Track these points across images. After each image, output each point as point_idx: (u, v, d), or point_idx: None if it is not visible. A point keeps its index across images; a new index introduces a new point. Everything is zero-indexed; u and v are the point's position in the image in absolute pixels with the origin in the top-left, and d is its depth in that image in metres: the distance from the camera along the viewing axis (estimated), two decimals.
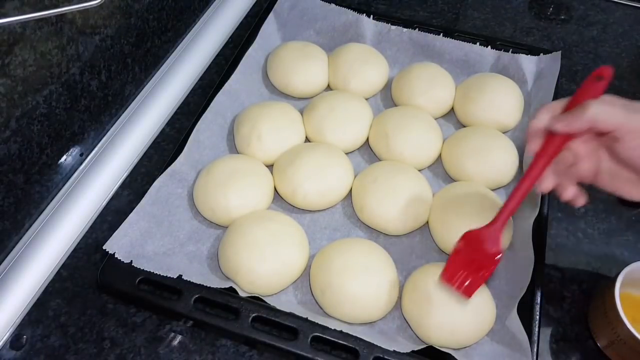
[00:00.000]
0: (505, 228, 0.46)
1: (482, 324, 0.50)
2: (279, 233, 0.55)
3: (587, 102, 0.40)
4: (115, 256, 0.52)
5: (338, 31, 0.78)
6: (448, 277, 0.49)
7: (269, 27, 0.78)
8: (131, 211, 0.55)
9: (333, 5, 0.78)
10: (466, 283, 0.47)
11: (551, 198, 0.60)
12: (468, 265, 0.47)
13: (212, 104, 0.66)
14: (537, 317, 0.51)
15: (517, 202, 0.46)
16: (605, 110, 0.40)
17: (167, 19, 0.75)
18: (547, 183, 0.45)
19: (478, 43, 0.74)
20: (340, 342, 0.48)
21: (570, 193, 0.44)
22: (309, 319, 0.50)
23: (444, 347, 0.49)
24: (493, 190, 0.62)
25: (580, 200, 0.45)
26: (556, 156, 0.44)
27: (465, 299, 0.48)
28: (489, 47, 0.74)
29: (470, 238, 0.48)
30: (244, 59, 0.72)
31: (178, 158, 0.60)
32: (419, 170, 0.63)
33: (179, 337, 0.52)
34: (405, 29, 0.77)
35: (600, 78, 0.42)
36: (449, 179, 0.65)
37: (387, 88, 0.75)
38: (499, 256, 0.46)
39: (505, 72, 0.73)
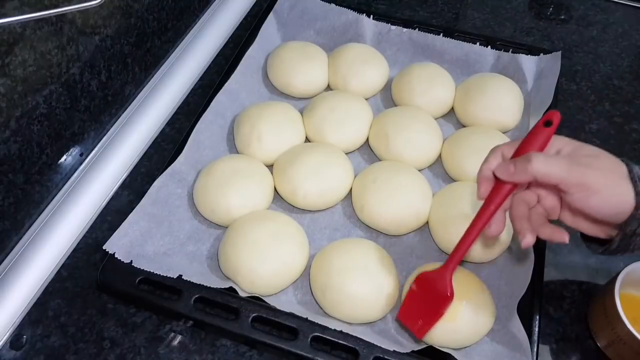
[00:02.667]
0: (454, 272, 0.47)
1: (482, 324, 0.50)
2: (279, 233, 0.55)
3: (530, 155, 0.40)
4: (115, 256, 0.52)
5: (338, 31, 0.78)
6: (404, 316, 0.50)
7: (269, 27, 0.78)
8: (131, 211, 0.55)
9: (333, 5, 0.78)
10: (419, 322, 0.48)
11: None
12: (422, 305, 0.48)
13: (212, 104, 0.66)
14: (537, 317, 0.51)
15: (465, 249, 0.46)
16: (547, 164, 0.39)
17: (167, 19, 0.75)
18: (496, 227, 0.44)
19: (478, 43, 0.74)
20: (340, 342, 0.48)
21: (530, 239, 0.42)
22: (309, 319, 0.50)
23: (444, 347, 0.49)
24: None
25: (559, 237, 0.43)
26: (505, 201, 0.43)
27: (418, 338, 0.49)
28: (489, 47, 0.74)
29: (423, 280, 0.49)
30: (244, 59, 0.72)
31: (178, 158, 0.60)
32: (419, 170, 0.63)
33: (179, 337, 0.52)
34: (405, 29, 0.77)
35: (550, 123, 0.42)
36: (449, 179, 0.65)
37: (387, 88, 0.75)
38: (449, 299, 0.47)
39: (505, 72, 0.73)
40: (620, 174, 0.39)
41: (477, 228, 0.45)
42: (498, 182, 0.43)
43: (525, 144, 0.42)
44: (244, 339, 0.51)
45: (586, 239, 0.46)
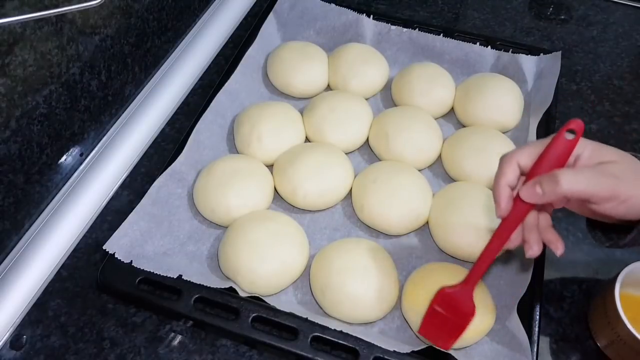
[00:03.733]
0: (475, 288, 0.47)
1: (482, 324, 0.50)
2: (279, 233, 0.55)
3: (557, 174, 0.38)
4: (115, 256, 0.52)
5: (338, 31, 0.78)
6: (425, 331, 0.49)
7: (269, 27, 0.78)
8: (131, 211, 0.55)
9: (333, 5, 0.78)
10: (443, 337, 0.48)
11: None
12: (444, 321, 0.48)
13: (212, 104, 0.66)
14: (537, 317, 0.51)
15: (487, 264, 0.45)
16: (576, 182, 0.38)
17: (167, 19, 0.75)
18: (515, 240, 0.43)
19: (478, 43, 0.74)
20: (340, 342, 0.48)
21: (536, 250, 0.42)
22: (309, 319, 0.50)
23: None
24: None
25: (555, 247, 0.42)
26: (525, 217, 0.42)
27: (444, 350, 0.48)
28: (489, 47, 0.74)
29: (444, 297, 0.48)
30: (244, 59, 0.72)
31: (178, 158, 0.60)
32: (419, 170, 0.63)
33: (179, 337, 0.52)
34: (405, 29, 0.77)
35: (572, 132, 0.40)
36: (449, 179, 0.65)
37: (387, 88, 0.75)
38: (471, 316, 0.46)
39: (505, 72, 0.73)
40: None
41: (497, 246, 0.44)
42: (517, 199, 0.42)
43: (547, 155, 0.40)
44: (244, 339, 0.51)
45: (592, 226, 0.46)
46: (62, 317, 0.53)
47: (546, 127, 0.66)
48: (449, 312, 0.47)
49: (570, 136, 0.40)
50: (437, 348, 0.48)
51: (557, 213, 0.62)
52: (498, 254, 0.44)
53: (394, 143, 0.64)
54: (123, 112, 0.71)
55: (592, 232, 0.46)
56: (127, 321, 0.53)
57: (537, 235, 0.43)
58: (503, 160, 0.43)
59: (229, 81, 0.68)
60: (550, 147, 0.40)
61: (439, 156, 0.66)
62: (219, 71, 0.75)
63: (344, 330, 0.49)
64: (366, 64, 0.72)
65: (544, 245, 0.42)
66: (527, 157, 0.42)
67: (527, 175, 0.42)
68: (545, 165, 0.40)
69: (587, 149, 0.41)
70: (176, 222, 0.58)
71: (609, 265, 0.59)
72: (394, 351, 0.48)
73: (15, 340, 0.52)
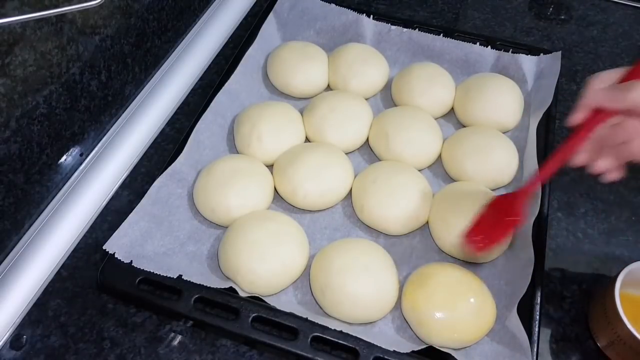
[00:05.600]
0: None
1: (482, 324, 0.50)
2: (279, 233, 0.55)
3: (632, 83, 0.39)
4: (115, 256, 0.52)
5: (338, 31, 0.78)
6: (468, 234, 0.50)
7: (269, 27, 0.78)
8: (131, 211, 0.55)
9: (333, 5, 0.78)
10: (480, 238, 0.49)
11: (551, 198, 0.61)
12: (490, 224, 0.48)
13: (212, 104, 0.66)
14: (537, 317, 0.51)
15: (550, 172, 0.45)
16: None
17: (167, 19, 0.75)
18: (581, 157, 0.44)
19: (478, 43, 0.74)
20: (340, 342, 0.48)
21: (602, 165, 0.42)
22: (309, 319, 0.50)
23: (444, 347, 0.49)
24: (493, 190, 0.62)
25: (614, 175, 0.43)
26: (595, 129, 0.42)
27: (478, 254, 0.49)
28: (489, 47, 0.74)
29: (497, 202, 0.49)
30: (244, 59, 0.72)
31: (178, 158, 0.60)
32: (419, 170, 0.63)
33: (179, 337, 0.52)
34: (405, 29, 0.77)
35: None
36: (449, 179, 0.65)
37: (387, 88, 0.75)
38: (518, 221, 0.47)
39: (505, 72, 0.73)
40: None
41: (566, 153, 0.44)
42: (594, 110, 0.42)
43: (633, 72, 0.41)
44: (244, 339, 0.51)
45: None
46: (62, 317, 0.53)
47: (546, 127, 0.66)
48: (498, 215, 0.48)
49: None
50: (478, 257, 0.49)
51: (558, 213, 0.63)
52: (562, 164, 0.44)
53: (394, 143, 0.64)
54: (123, 112, 0.71)
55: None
56: (127, 321, 0.53)
57: (617, 158, 0.43)
58: (592, 77, 0.43)
59: (229, 81, 0.68)
60: (635, 69, 0.41)
61: (439, 156, 0.66)
62: (219, 71, 0.75)
63: (344, 330, 0.49)
64: (366, 64, 0.72)
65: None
66: (613, 76, 0.42)
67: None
68: (629, 79, 0.41)
69: None
70: (176, 222, 0.58)
71: (609, 265, 0.59)
72: (394, 351, 0.48)
73: (15, 340, 0.52)
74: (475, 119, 0.69)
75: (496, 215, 0.48)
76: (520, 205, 0.46)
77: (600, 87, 0.43)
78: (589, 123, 0.42)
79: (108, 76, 0.66)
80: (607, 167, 0.43)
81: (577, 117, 0.43)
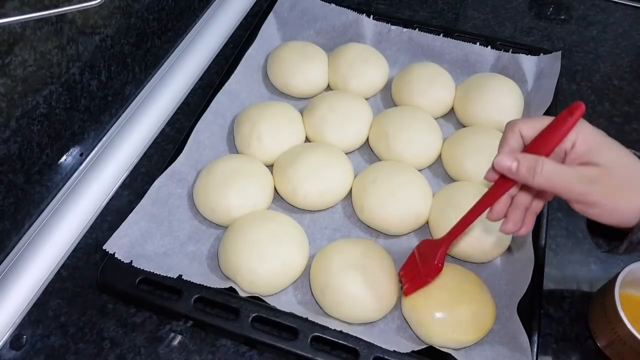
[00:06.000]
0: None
1: (482, 324, 0.50)
2: (279, 233, 0.55)
3: (538, 161, 0.38)
4: (115, 256, 0.52)
5: (338, 31, 0.78)
6: (402, 273, 0.53)
7: (269, 27, 0.78)
8: (131, 211, 0.55)
9: (333, 5, 0.78)
10: (411, 284, 0.52)
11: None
12: (416, 268, 0.52)
13: (212, 104, 0.66)
14: (537, 317, 0.51)
15: (463, 228, 0.47)
16: (549, 177, 0.38)
17: (167, 19, 0.75)
18: (497, 214, 0.43)
19: (478, 43, 0.74)
20: (340, 342, 0.48)
21: (510, 227, 0.42)
22: (309, 319, 0.50)
23: (444, 347, 0.49)
24: None
25: (523, 230, 0.43)
26: (509, 189, 0.42)
27: (403, 296, 0.52)
28: (489, 47, 0.74)
29: (423, 246, 0.52)
30: (244, 59, 0.72)
31: (178, 158, 0.60)
32: (419, 170, 0.63)
33: (179, 337, 0.52)
34: (405, 29, 0.77)
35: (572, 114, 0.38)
36: (449, 179, 0.65)
37: (387, 88, 0.75)
38: (437, 270, 0.49)
39: (505, 72, 0.73)
40: (633, 187, 0.38)
41: (478, 211, 0.45)
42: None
43: (546, 134, 0.39)
44: (244, 339, 0.51)
45: (593, 233, 0.45)
46: (62, 317, 0.54)
47: None
48: (422, 262, 0.51)
49: (572, 119, 0.38)
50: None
51: (558, 213, 0.63)
52: (476, 220, 0.46)
53: (394, 143, 0.64)
54: (123, 112, 0.71)
55: (593, 237, 0.46)
56: (127, 321, 0.53)
57: (519, 216, 0.43)
58: (507, 127, 0.42)
59: (229, 81, 0.68)
60: (553, 126, 0.39)
61: (439, 156, 0.66)
62: (219, 71, 0.75)
63: (344, 330, 0.49)
64: (366, 64, 0.72)
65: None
66: (530, 129, 0.41)
67: (526, 148, 0.41)
68: (541, 143, 0.39)
69: (587, 142, 0.39)
70: (176, 222, 0.58)
71: (608, 265, 0.59)
72: (394, 351, 0.48)
73: (15, 340, 0.52)
74: (475, 119, 0.69)
75: (421, 260, 0.51)
76: (442, 254, 0.49)
77: (518, 142, 0.41)
78: (502, 182, 0.42)
79: (108, 76, 0.66)
80: (514, 226, 0.42)
81: (490, 175, 0.42)
